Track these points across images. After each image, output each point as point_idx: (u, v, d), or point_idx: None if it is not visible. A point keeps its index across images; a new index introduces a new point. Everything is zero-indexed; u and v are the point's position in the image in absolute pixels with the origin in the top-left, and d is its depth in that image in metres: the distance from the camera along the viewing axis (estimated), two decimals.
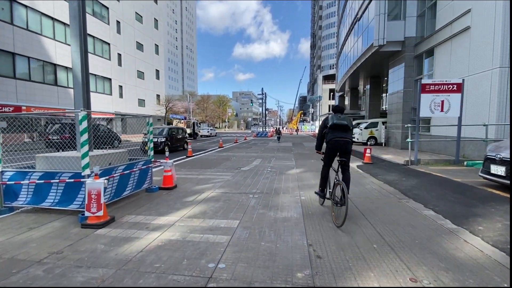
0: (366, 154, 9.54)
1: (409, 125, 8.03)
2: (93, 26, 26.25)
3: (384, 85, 23.56)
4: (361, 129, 17.91)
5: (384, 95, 24.13)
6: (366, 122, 18.26)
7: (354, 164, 9.25)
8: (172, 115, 31.36)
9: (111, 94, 29.77)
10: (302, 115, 78.67)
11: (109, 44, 29.10)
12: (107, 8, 28.65)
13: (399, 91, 14.99)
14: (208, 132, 36.94)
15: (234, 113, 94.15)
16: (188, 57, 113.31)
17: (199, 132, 34.13)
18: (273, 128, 54.82)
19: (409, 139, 8.03)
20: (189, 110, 50.88)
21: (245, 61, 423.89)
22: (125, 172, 4.52)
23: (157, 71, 41.86)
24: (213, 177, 7.06)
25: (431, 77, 12.93)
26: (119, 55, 32.75)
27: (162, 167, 5.79)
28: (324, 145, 4.08)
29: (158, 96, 41.68)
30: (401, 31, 14.26)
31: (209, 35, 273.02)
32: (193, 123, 30.99)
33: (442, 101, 7.70)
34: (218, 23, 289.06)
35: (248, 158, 11.18)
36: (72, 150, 5.16)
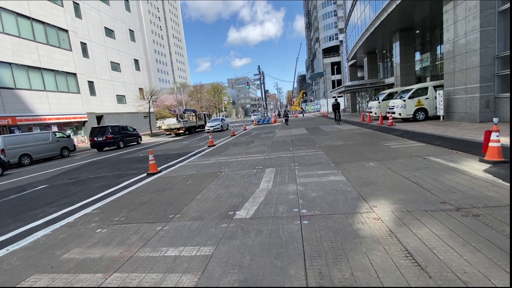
0: (492, 144, 4.53)
1: None
2: (41, 8, 20.83)
3: (417, 40, 18.08)
4: (404, 100, 12.72)
5: (417, 53, 18.70)
6: (409, 90, 13.00)
7: (473, 169, 4.28)
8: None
9: (79, 92, 24.66)
10: (304, 95, 72.69)
11: (67, 31, 23.68)
12: None
13: (471, 33, 9.74)
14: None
15: (231, 101, 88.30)
16: (176, 46, 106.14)
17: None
18: (275, 112, 49.52)
19: None
20: (182, 102, 45.64)
21: (241, 46, 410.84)
22: None
23: (136, 60, 36.30)
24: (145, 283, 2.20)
25: None
26: (83, 44, 27.28)
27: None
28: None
29: (141, 90, 36.35)
30: None
31: (200, 23, 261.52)
32: (204, 114, 30.74)
33: None
34: (209, 9, 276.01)
35: (250, 170, 6.29)
36: None
